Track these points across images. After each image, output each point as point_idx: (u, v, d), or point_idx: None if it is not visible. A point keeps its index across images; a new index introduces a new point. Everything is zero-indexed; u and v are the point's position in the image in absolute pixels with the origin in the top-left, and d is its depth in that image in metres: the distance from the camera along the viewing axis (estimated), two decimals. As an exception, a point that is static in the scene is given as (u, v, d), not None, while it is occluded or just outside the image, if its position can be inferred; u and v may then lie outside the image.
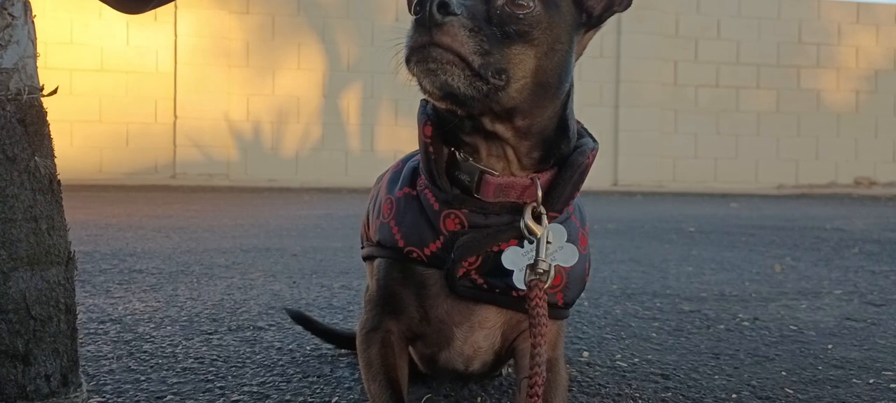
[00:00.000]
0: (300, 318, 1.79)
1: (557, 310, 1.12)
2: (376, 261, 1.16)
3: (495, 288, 1.07)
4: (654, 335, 2.04)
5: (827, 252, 4.01)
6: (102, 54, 9.58)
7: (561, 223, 1.06)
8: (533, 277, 1.01)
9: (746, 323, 2.20)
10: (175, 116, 9.82)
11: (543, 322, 0.98)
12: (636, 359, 1.78)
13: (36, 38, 1.12)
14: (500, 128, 1.00)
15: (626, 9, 1.07)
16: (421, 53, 0.90)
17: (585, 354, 1.82)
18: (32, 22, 1.12)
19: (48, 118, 1.13)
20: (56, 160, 1.15)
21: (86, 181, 8.69)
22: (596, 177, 10.57)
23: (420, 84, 0.94)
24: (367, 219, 1.26)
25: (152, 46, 9.73)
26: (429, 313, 1.12)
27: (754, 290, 2.78)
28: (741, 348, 1.90)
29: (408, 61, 0.92)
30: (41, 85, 1.12)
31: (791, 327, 2.16)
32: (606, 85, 10.78)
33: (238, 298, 2.42)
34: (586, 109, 10.24)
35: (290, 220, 5.39)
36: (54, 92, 1.13)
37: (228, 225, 4.91)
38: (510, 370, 1.52)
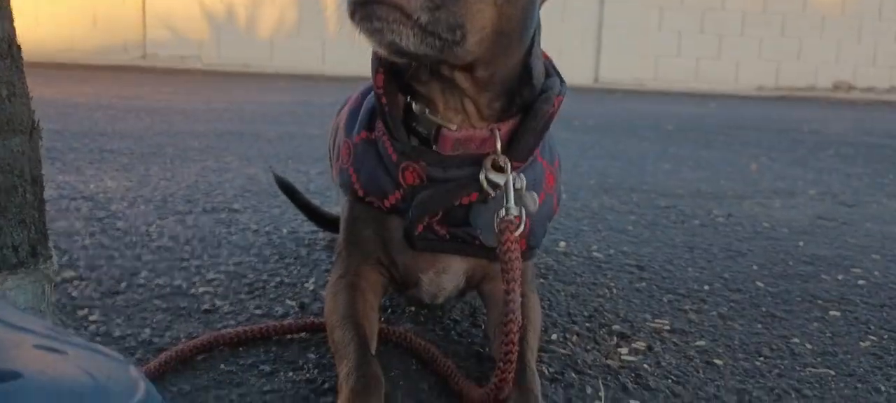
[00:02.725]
0: (285, 186, 1.73)
1: (523, 254, 1.06)
2: (342, 201, 1.12)
3: (459, 237, 1.04)
4: (630, 228, 2.06)
5: (803, 153, 4.05)
6: (65, -76, 9.05)
7: (526, 168, 1.01)
8: (503, 222, 0.95)
9: (721, 219, 2.22)
10: (144, -7, 9.41)
11: (516, 267, 0.93)
12: (612, 251, 1.80)
13: None
14: (460, 77, 0.94)
15: None
16: (364, 10, 0.80)
17: (562, 244, 1.83)
18: None
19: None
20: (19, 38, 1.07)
21: (52, 59, 8.40)
22: (577, 73, 10.46)
23: (368, 41, 0.85)
24: (330, 153, 1.19)
25: (118, -83, 9.19)
26: (394, 259, 1.09)
27: (730, 188, 2.80)
28: (715, 243, 1.93)
29: (351, 16, 0.82)
30: (-6, -61, 1.03)
31: (764, 224, 2.19)
32: (592, -23, 10.49)
33: (213, 180, 2.38)
34: (571, 2, 9.99)
35: (265, 106, 5.29)
36: (9, -53, 1.04)
37: (201, 109, 4.80)
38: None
